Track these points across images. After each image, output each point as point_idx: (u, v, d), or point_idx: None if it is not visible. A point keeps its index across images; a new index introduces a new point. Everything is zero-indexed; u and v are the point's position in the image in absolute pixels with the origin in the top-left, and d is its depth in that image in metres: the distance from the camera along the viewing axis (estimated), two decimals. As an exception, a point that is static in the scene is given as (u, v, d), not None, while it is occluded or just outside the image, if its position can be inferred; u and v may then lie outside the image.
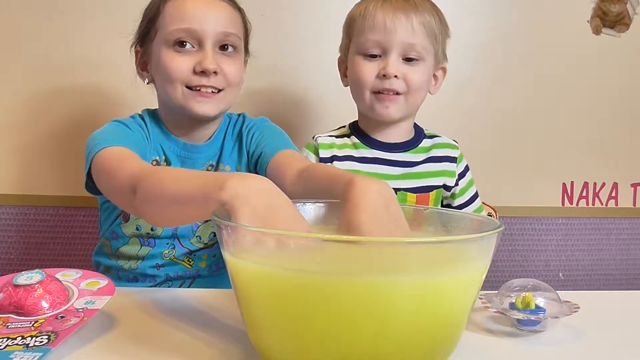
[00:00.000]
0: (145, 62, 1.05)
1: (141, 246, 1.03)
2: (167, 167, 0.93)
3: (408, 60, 1.06)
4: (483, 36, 1.54)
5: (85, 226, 1.46)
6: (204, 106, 0.99)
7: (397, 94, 1.07)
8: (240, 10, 1.06)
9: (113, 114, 1.34)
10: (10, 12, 1.42)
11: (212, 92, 0.99)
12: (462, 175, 1.16)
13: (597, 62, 1.58)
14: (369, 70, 1.06)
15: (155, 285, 1.04)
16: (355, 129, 1.16)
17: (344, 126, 1.19)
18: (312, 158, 1.13)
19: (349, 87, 1.14)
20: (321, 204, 0.72)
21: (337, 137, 1.15)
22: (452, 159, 1.15)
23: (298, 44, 1.50)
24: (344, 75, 1.15)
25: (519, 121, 1.58)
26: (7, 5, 1.42)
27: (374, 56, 1.06)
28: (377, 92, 1.07)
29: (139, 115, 1.06)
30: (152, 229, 1.02)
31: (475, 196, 1.18)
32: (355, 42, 1.09)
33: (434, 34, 1.07)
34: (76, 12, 1.43)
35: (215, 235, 1.05)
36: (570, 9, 1.56)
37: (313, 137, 1.16)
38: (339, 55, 1.17)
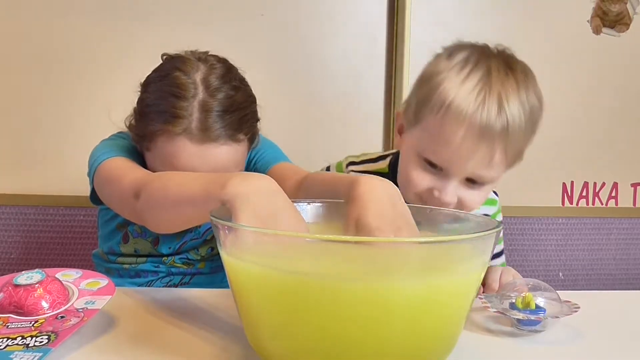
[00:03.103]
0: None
1: (138, 257, 1.04)
2: (172, 171, 0.91)
3: (470, 181, 0.88)
4: (483, 36, 1.54)
5: (85, 226, 1.46)
6: None
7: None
8: (245, 137, 0.91)
9: (113, 116, 1.34)
10: (10, 12, 1.42)
11: None
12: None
13: (597, 62, 1.58)
14: (422, 180, 0.89)
15: (157, 279, 1.04)
16: (394, 171, 0.99)
17: (383, 157, 1.05)
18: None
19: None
20: (323, 204, 0.72)
21: (372, 172, 1.00)
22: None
23: (298, 44, 1.50)
24: (398, 131, 0.97)
25: (519, 121, 1.58)
26: (7, 5, 1.42)
27: (433, 165, 0.88)
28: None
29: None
30: (149, 254, 1.02)
31: (499, 253, 1.08)
32: (422, 134, 0.88)
33: (517, 156, 0.91)
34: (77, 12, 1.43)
35: (212, 250, 1.06)
36: (570, 9, 1.56)
37: (347, 166, 1.05)
38: (401, 109, 0.97)
